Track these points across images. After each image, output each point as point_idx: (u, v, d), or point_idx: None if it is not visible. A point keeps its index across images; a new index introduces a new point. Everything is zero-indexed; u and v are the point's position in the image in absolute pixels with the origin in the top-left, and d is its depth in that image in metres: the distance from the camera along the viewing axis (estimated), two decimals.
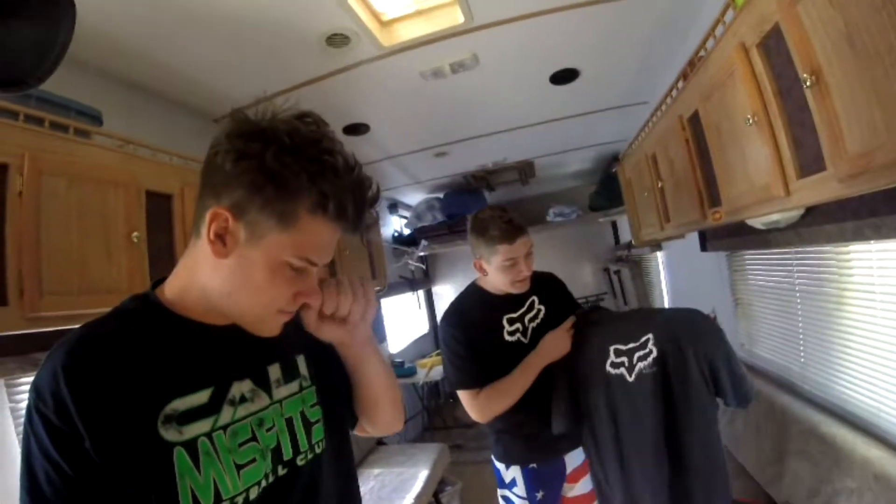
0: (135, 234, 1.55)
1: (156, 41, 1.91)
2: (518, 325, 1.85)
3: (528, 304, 1.87)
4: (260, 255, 0.72)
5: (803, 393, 2.05)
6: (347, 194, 0.73)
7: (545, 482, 1.85)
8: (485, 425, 1.87)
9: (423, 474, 2.95)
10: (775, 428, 1.98)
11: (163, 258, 1.67)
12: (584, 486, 1.98)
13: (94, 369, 0.66)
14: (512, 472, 1.92)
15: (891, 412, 1.56)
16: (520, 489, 1.90)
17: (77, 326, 0.73)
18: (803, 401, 1.96)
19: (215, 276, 0.75)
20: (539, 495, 1.88)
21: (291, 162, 0.69)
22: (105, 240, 1.48)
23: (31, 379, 1.55)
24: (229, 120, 0.73)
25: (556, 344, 1.77)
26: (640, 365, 1.61)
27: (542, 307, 1.90)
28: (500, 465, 1.97)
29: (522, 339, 1.85)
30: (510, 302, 1.84)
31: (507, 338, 1.82)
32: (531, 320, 1.88)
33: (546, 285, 1.98)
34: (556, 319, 1.88)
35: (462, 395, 1.76)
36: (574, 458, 1.92)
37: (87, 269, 1.42)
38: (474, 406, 1.75)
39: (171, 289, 0.80)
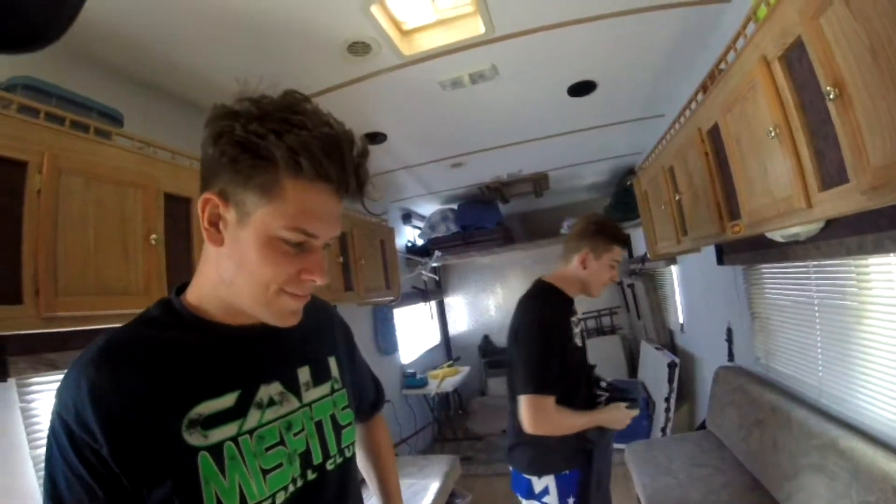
0: (153, 236, 1.55)
1: (179, 45, 1.95)
2: (578, 327, 1.90)
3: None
4: (251, 234, 0.69)
5: (821, 407, 2.03)
6: (315, 146, 0.67)
7: (576, 486, 1.83)
8: (512, 436, 1.91)
9: (435, 486, 2.94)
10: (793, 443, 1.96)
11: (180, 262, 1.68)
12: None
13: (116, 378, 0.66)
14: (544, 482, 1.87)
15: None
16: (552, 498, 1.86)
17: (91, 328, 0.73)
18: (821, 415, 1.93)
19: (216, 268, 0.74)
20: (570, 501, 1.85)
21: (258, 127, 0.66)
22: (122, 241, 1.47)
23: (42, 379, 1.58)
24: (210, 111, 0.71)
25: (618, 420, 1.81)
26: None
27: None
28: (530, 477, 1.90)
29: (579, 342, 1.87)
30: (571, 304, 1.92)
31: (576, 339, 1.85)
32: (581, 325, 1.95)
33: None
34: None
35: (530, 399, 1.70)
36: None
37: (104, 270, 1.41)
38: (536, 415, 1.70)
39: (193, 292, 0.79)
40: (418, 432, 4.98)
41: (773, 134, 1.38)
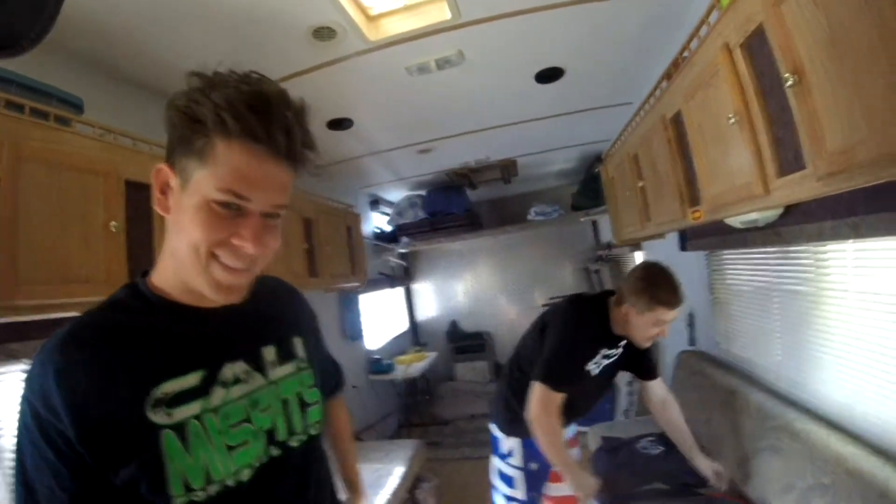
0: (113, 223, 1.53)
1: (141, 29, 1.88)
2: (605, 360, 1.94)
3: (622, 345, 1.94)
4: (189, 198, 0.70)
5: (778, 391, 2.08)
6: (240, 100, 0.66)
7: (539, 454, 1.92)
8: (497, 392, 2.13)
9: (400, 471, 2.94)
10: (751, 425, 2.01)
11: (142, 249, 1.65)
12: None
13: (81, 360, 0.67)
14: (511, 442, 2.05)
15: (865, 410, 1.59)
16: (516, 459, 2.04)
17: (54, 316, 0.74)
18: (778, 398, 1.98)
19: (169, 240, 0.76)
20: (533, 466, 2.02)
21: (193, 94, 0.68)
22: (84, 229, 1.45)
23: (4, 369, 1.55)
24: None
25: (583, 488, 1.80)
26: None
27: (622, 349, 1.97)
28: (499, 434, 2.10)
29: (595, 371, 1.92)
30: (614, 340, 1.91)
31: (589, 366, 1.90)
32: (611, 359, 1.97)
33: None
34: (618, 365, 2.02)
35: (541, 388, 1.81)
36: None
37: (65, 258, 1.39)
38: (543, 405, 1.81)
39: (157, 275, 0.80)
40: (385, 418, 4.98)
41: (733, 121, 1.40)
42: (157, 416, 0.69)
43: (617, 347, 1.93)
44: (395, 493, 2.73)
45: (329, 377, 1.21)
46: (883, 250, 1.49)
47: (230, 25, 1.92)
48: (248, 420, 0.78)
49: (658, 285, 1.76)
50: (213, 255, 0.71)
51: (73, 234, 1.42)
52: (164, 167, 0.73)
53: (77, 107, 1.68)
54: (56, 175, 1.40)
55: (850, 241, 1.58)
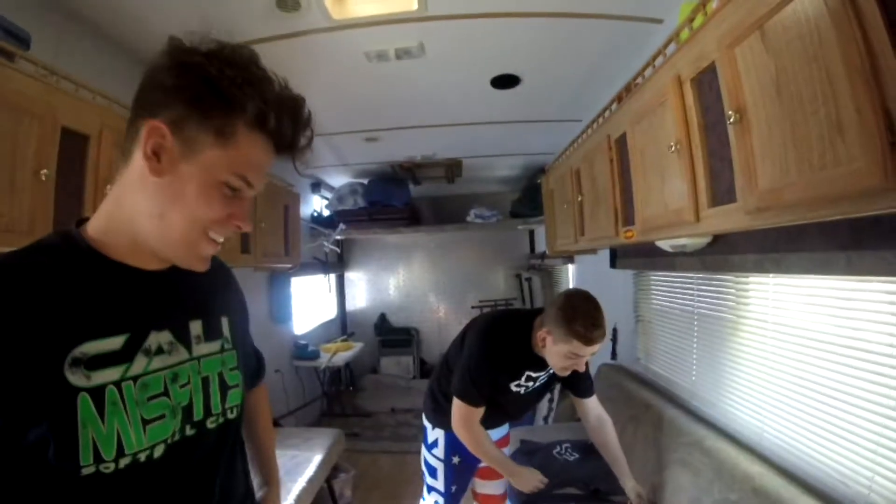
0: (44, 171, 1.41)
1: None
2: (531, 382, 1.94)
3: (548, 368, 1.91)
4: (196, 171, 0.70)
5: (692, 409, 2.19)
6: (286, 107, 0.73)
7: (464, 449, 1.95)
8: (428, 384, 2.17)
9: (317, 459, 2.90)
10: (663, 439, 2.11)
11: (70, 202, 1.53)
12: (497, 486, 2.23)
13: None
14: (436, 434, 2.09)
15: (773, 433, 1.70)
16: (439, 451, 2.08)
17: None
18: (691, 416, 2.09)
19: (145, 199, 0.71)
20: (455, 460, 2.06)
21: (234, 74, 0.68)
22: (11, 173, 1.33)
23: None
24: (168, 42, 0.71)
25: (528, 483, 1.91)
26: None
27: (550, 372, 1.96)
28: (427, 424, 2.15)
29: (522, 391, 1.95)
30: (539, 363, 1.87)
31: (513, 388, 1.92)
32: (540, 381, 1.98)
33: None
34: (550, 385, 2.08)
35: (460, 402, 1.85)
36: (493, 435, 2.07)
37: None
38: (462, 417, 1.85)
39: (95, 225, 0.76)
40: (307, 405, 4.91)
41: (674, 149, 1.47)
42: (75, 377, 0.64)
43: (543, 370, 1.92)
44: (312, 481, 2.68)
45: (250, 366, 1.15)
46: (800, 287, 1.60)
47: None
48: (166, 394, 0.75)
49: (578, 318, 1.65)
50: (205, 231, 0.74)
51: None
52: (162, 127, 0.68)
53: (24, 41, 1.55)
54: None
55: (771, 275, 1.69)
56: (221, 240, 0.77)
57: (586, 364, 1.87)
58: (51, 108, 1.47)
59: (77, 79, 1.65)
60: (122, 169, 0.74)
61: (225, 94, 0.68)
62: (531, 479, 1.91)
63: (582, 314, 1.66)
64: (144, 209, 0.72)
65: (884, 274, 1.17)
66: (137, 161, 0.70)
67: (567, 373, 1.78)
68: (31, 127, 1.40)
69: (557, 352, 1.71)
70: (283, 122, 0.73)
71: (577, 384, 2.00)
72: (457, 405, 1.85)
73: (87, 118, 1.60)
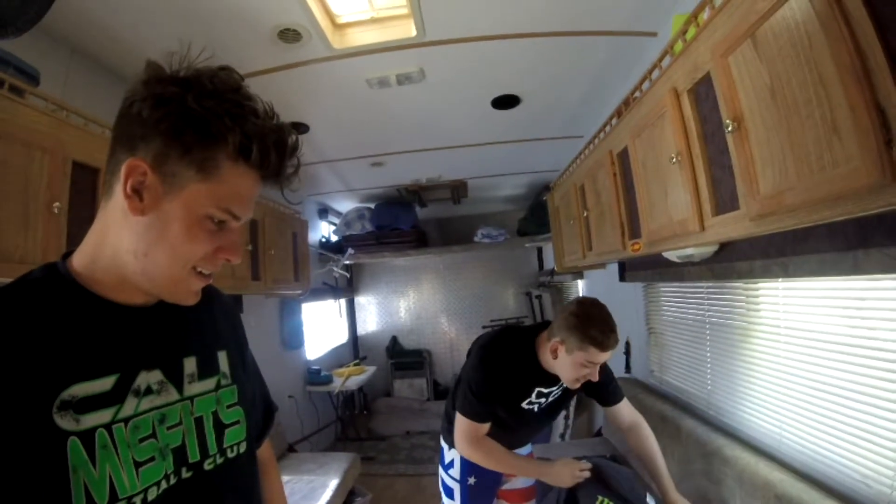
0: (56, 204, 1.45)
1: (106, 7, 1.81)
2: (543, 399, 1.91)
3: (560, 383, 1.88)
4: (179, 208, 0.67)
5: (708, 418, 2.17)
6: (270, 137, 0.70)
7: (481, 469, 1.94)
8: (445, 404, 2.12)
9: (333, 483, 2.89)
10: (681, 450, 2.09)
11: (82, 233, 1.53)
12: (523, 481, 2.17)
13: None
14: (452, 454, 2.07)
15: (792, 438, 1.67)
16: (455, 471, 2.05)
17: None
18: (708, 425, 2.07)
19: (129, 236, 0.69)
20: (471, 480, 2.03)
21: (213, 105, 0.65)
22: (24, 206, 1.37)
23: None
24: (145, 69, 0.68)
25: (563, 476, 1.76)
26: None
27: (563, 388, 1.92)
28: (444, 444, 2.13)
29: (535, 409, 1.92)
30: (549, 378, 1.84)
31: (524, 405, 1.88)
32: (553, 396, 1.94)
33: None
34: (567, 398, 2.01)
35: (462, 419, 1.81)
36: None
37: (2, 235, 1.31)
38: (464, 433, 1.81)
39: (81, 259, 0.73)
40: (321, 430, 4.89)
41: (675, 160, 1.48)
42: (64, 421, 0.61)
43: (555, 385, 1.88)
44: None
45: (256, 415, 1.02)
46: (809, 289, 1.59)
47: (197, 15, 1.89)
48: (153, 436, 0.71)
49: (592, 324, 1.64)
50: (192, 267, 0.72)
51: (12, 212, 1.34)
52: (142, 164, 0.66)
53: (33, 77, 1.60)
54: (1, 147, 1.32)
55: (780, 279, 1.68)
56: (213, 271, 0.75)
57: (607, 368, 1.86)
58: (61, 143, 1.52)
59: (86, 113, 1.69)
60: (105, 202, 0.72)
61: (205, 128, 0.65)
62: (568, 469, 1.75)
63: (597, 320, 1.65)
64: (128, 246, 0.69)
65: (891, 271, 1.16)
66: (119, 197, 0.68)
67: (578, 385, 1.74)
68: (42, 161, 1.44)
69: (572, 361, 1.68)
70: (268, 152, 0.70)
71: (602, 392, 1.92)
72: (459, 421, 1.82)
73: (96, 151, 1.64)
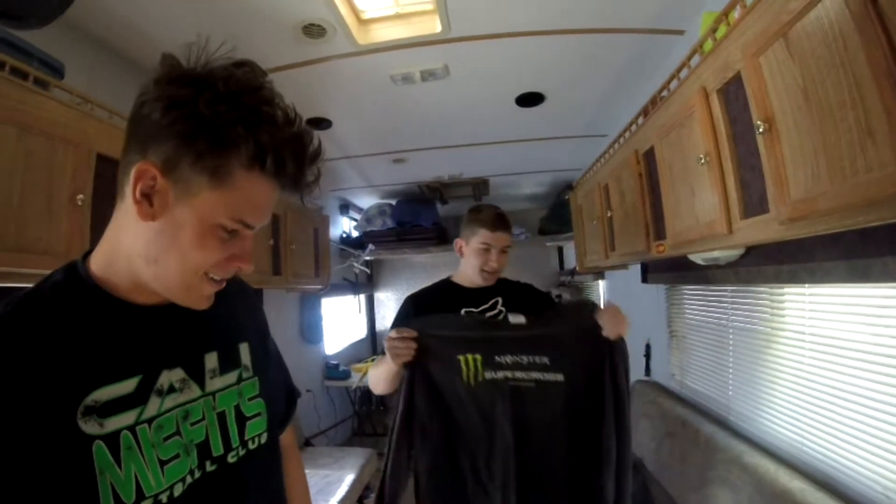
0: (80, 196, 1.46)
1: (131, 2, 1.83)
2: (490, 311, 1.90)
3: (490, 302, 1.90)
4: (190, 216, 0.66)
5: (729, 424, 2.14)
6: (287, 148, 0.67)
7: None
8: None
9: (349, 478, 2.91)
10: (700, 456, 2.06)
11: (105, 226, 1.57)
12: None
13: (5, 361, 0.59)
14: None
15: (813, 447, 1.65)
16: None
17: (5, 286, 0.67)
18: (728, 431, 2.04)
19: (140, 241, 0.68)
20: None
21: (226, 111, 0.63)
22: (48, 199, 1.39)
23: None
24: (159, 66, 0.66)
25: (392, 350, 1.66)
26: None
27: (505, 309, 1.90)
28: None
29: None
30: (474, 297, 1.89)
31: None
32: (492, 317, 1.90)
33: (517, 292, 2.01)
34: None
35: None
36: None
37: (26, 227, 1.32)
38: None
39: (97, 261, 0.73)
40: (337, 425, 4.92)
41: (703, 161, 1.45)
42: (89, 426, 0.61)
43: (488, 304, 1.88)
44: (344, 501, 2.69)
45: (279, 405, 1.03)
46: (837, 296, 1.56)
47: (222, 9, 1.90)
48: (178, 433, 0.72)
49: (480, 211, 1.89)
50: (204, 274, 0.71)
51: (36, 204, 1.35)
52: (151, 169, 0.64)
53: (58, 71, 1.62)
54: (27, 139, 1.33)
55: (807, 285, 1.65)
56: (226, 276, 0.74)
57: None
58: (86, 136, 1.53)
59: (110, 106, 1.71)
60: (119, 202, 0.70)
61: (217, 135, 0.63)
62: (391, 344, 1.61)
63: (484, 207, 1.91)
64: (140, 251, 0.68)
65: None
66: (129, 202, 0.66)
67: (486, 276, 1.87)
68: (66, 154, 1.46)
69: (472, 250, 1.88)
70: (285, 161, 0.67)
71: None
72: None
73: (119, 144, 1.64)
